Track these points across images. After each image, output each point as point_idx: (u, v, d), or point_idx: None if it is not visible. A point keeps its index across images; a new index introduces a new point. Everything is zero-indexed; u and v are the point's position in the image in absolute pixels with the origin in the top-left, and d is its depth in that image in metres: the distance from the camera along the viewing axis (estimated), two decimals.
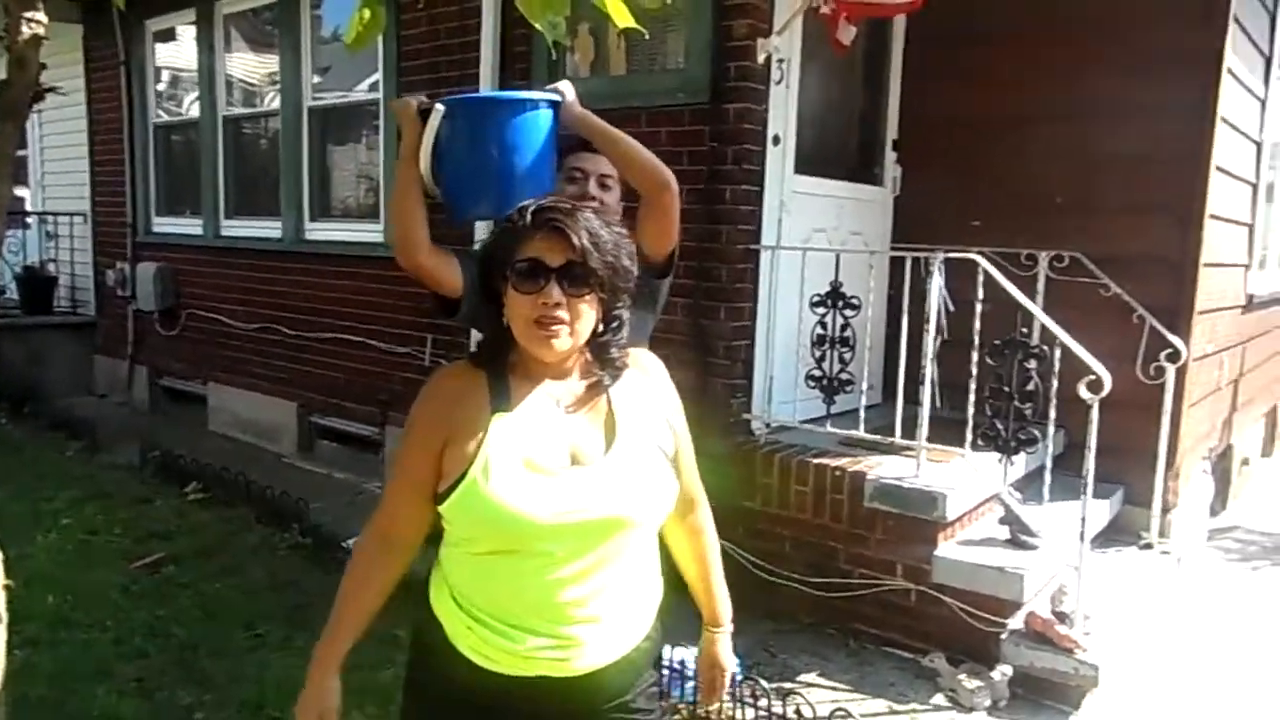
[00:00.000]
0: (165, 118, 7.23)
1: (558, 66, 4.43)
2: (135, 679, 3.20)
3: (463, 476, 1.44)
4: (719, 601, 1.78)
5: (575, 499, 1.44)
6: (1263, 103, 5.15)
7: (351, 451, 5.79)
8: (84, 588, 3.89)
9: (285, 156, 6.02)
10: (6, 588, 1.87)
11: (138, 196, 7.28)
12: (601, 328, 1.51)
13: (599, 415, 1.53)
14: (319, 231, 5.98)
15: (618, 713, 1.55)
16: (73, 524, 4.67)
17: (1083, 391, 3.24)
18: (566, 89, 2.09)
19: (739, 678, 3.09)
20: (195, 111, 6.81)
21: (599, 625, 1.50)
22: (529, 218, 1.46)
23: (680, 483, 1.60)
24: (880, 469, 3.70)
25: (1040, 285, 4.35)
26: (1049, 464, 3.59)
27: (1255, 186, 5.34)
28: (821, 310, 3.86)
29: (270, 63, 6.28)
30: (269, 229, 6.21)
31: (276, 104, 6.12)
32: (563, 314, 1.44)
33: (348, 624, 1.56)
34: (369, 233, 5.60)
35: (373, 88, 5.58)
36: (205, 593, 3.89)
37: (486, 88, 4.73)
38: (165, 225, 7.15)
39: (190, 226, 6.84)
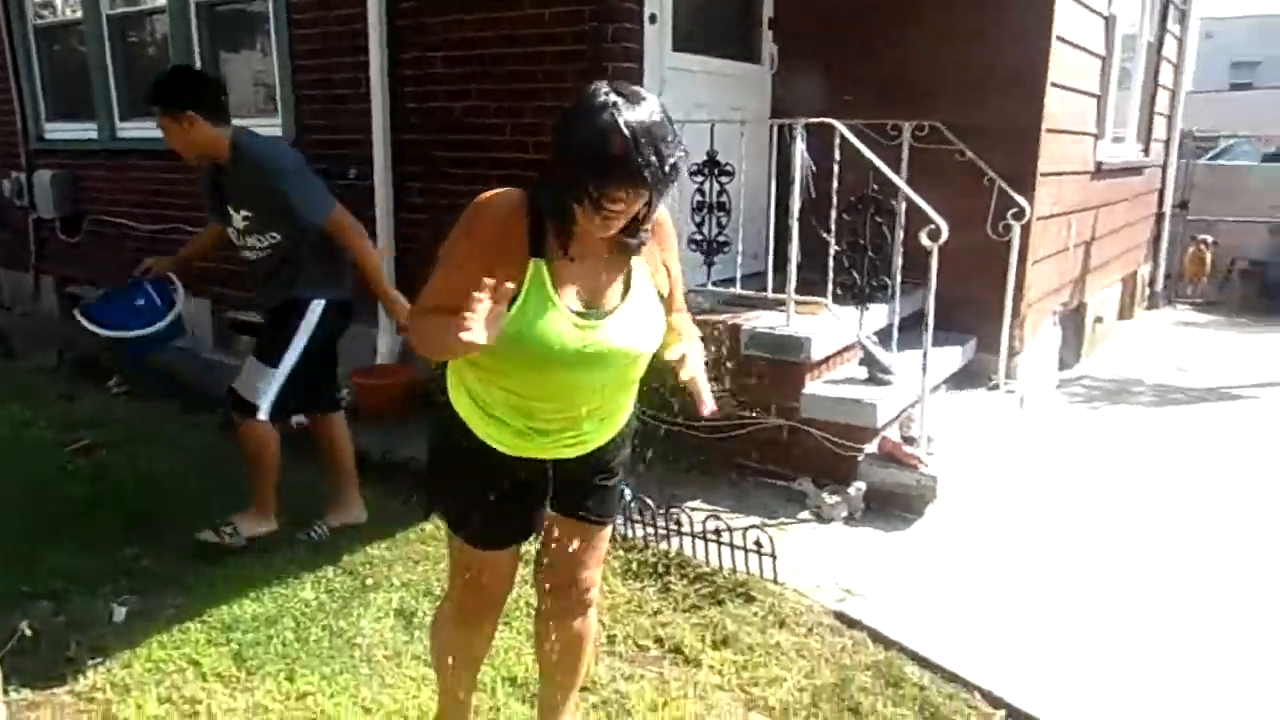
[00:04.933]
0: (47, 19, 7.06)
1: None
2: (84, 540, 3.48)
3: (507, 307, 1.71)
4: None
5: (596, 338, 1.78)
6: None
7: None
8: (22, 475, 4.09)
9: (176, 55, 6.00)
10: None
11: (25, 103, 7.15)
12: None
13: (618, 269, 1.83)
14: None
15: (600, 473, 2.05)
16: None
17: (923, 239, 3.66)
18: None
19: (629, 500, 3.52)
20: (78, 12, 6.69)
21: (604, 420, 1.97)
22: (626, 146, 1.56)
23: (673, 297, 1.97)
24: (756, 321, 4.10)
25: (905, 154, 4.70)
26: (898, 309, 4.02)
27: (1105, 60, 5.77)
28: (700, 179, 4.18)
29: None
30: None
31: (163, 0, 6.07)
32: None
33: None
34: (269, 127, 5.67)
35: None
36: (142, 469, 4.15)
37: None
38: (58, 131, 7.06)
39: (84, 131, 6.78)
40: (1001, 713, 2.56)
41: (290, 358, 3.39)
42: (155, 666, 2.69)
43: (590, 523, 2.10)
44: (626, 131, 1.57)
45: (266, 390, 3.39)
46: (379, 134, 4.97)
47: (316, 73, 5.31)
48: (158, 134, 6.28)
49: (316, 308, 3.41)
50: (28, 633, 2.63)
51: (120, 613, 2.98)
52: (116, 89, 6.54)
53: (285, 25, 5.36)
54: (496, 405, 1.89)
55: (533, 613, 2.54)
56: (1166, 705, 2.58)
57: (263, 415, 3.40)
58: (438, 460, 2.08)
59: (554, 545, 2.12)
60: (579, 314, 1.78)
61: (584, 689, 2.58)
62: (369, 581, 3.21)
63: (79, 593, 3.10)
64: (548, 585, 2.18)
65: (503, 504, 1.98)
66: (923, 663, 2.79)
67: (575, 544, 2.10)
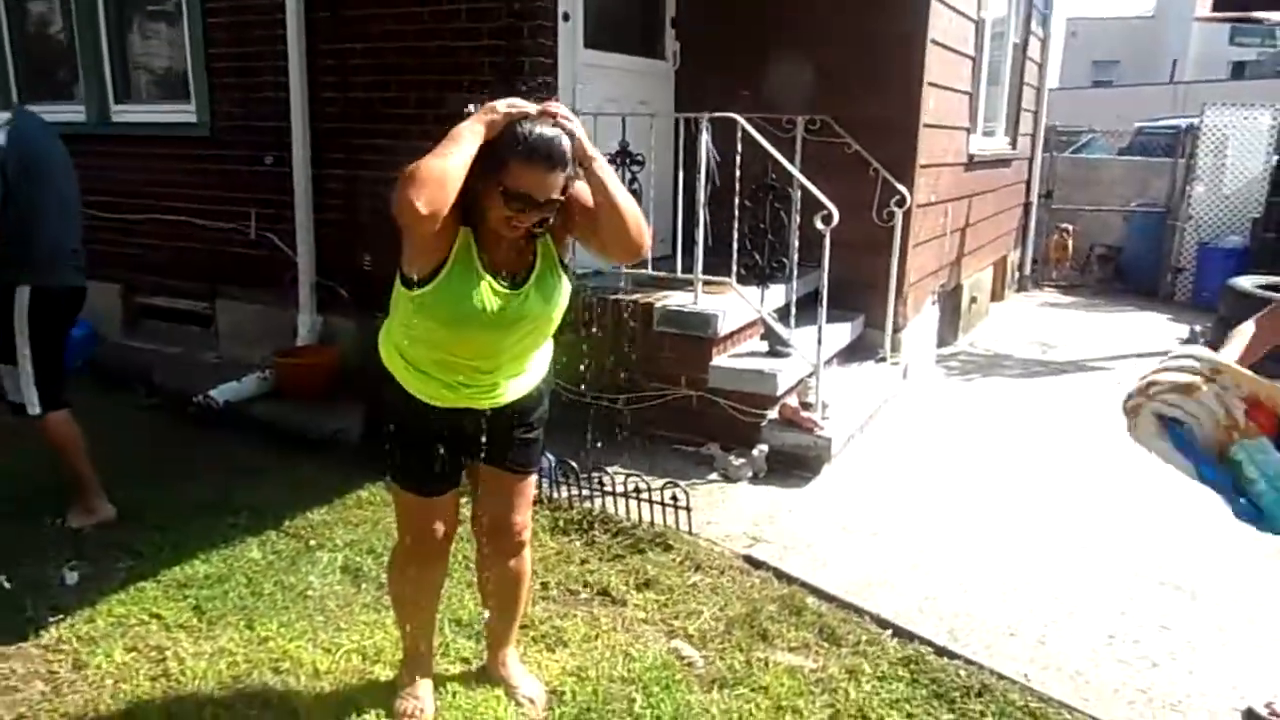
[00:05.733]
0: None
1: None
2: (19, 515, 3.57)
3: (439, 269, 2.00)
4: None
5: (513, 305, 2.07)
6: None
7: (180, 328, 6.03)
8: None
9: (81, 37, 5.98)
10: None
11: None
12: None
13: (527, 249, 2.11)
14: (127, 114, 6.02)
15: (520, 427, 2.32)
16: None
17: (818, 224, 4.05)
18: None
19: (554, 464, 3.81)
20: None
21: (519, 375, 2.25)
22: (534, 149, 1.90)
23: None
24: (666, 300, 4.44)
25: (798, 146, 5.08)
26: (795, 289, 4.41)
27: (975, 60, 6.31)
28: (613, 166, 4.47)
29: None
30: (70, 112, 6.15)
31: None
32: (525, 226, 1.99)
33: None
34: (181, 113, 5.73)
35: None
36: None
37: None
38: None
39: None
40: (888, 631, 2.95)
41: (23, 349, 3.36)
42: (117, 621, 2.86)
43: (515, 472, 2.39)
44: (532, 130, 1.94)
45: (22, 387, 3.40)
46: (298, 122, 5.09)
47: (232, 60, 5.40)
48: (59, 118, 6.28)
49: (21, 294, 3.33)
50: (6, 585, 2.76)
51: (72, 576, 3.12)
52: (15, 70, 6.43)
53: (199, 14, 5.42)
54: (424, 362, 2.17)
55: (471, 565, 2.84)
56: (1020, 618, 3.03)
57: (34, 411, 3.42)
58: (379, 418, 2.32)
59: (487, 495, 2.42)
60: (497, 280, 2.07)
61: (524, 626, 2.87)
62: (312, 543, 3.42)
63: (25, 561, 3.21)
64: (485, 532, 2.46)
65: (438, 454, 2.25)
66: (821, 595, 3.17)
67: (504, 491, 2.39)
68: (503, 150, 1.93)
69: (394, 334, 2.20)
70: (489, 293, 2.05)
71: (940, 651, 2.83)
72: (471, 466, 2.37)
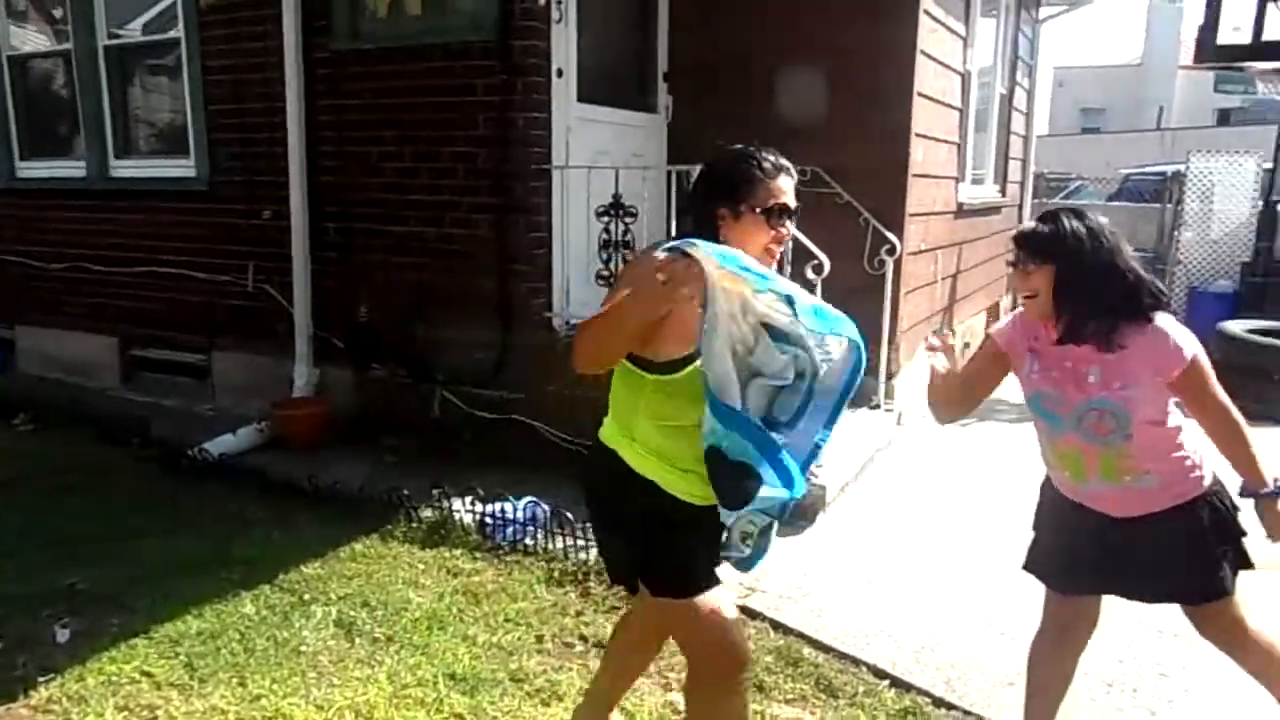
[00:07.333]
0: None
1: (359, 9, 4.84)
2: (16, 570, 3.56)
3: (689, 357, 1.88)
4: None
5: None
6: (964, 39, 6.20)
7: (176, 380, 6.04)
8: None
9: (84, 95, 6.07)
10: None
11: None
12: None
13: None
14: (125, 169, 6.10)
15: None
16: None
17: (808, 273, 4.10)
18: None
19: (548, 515, 3.80)
20: None
21: None
22: (771, 164, 2.06)
23: None
24: None
25: None
26: None
27: (963, 111, 6.42)
28: (606, 219, 4.54)
29: None
30: (71, 169, 6.26)
31: (69, 44, 6.12)
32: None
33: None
34: (180, 168, 5.80)
35: (170, 21, 5.74)
36: (66, 501, 4.21)
37: (289, 26, 5.03)
38: None
39: None
40: (886, 682, 2.94)
41: None
42: (108, 679, 2.84)
43: None
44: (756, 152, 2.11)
45: None
46: (296, 176, 5.15)
47: (231, 117, 5.48)
48: (59, 174, 6.40)
49: None
50: None
51: (63, 634, 3.10)
52: (17, 129, 6.53)
53: (198, 71, 5.52)
54: (686, 458, 1.97)
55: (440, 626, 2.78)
56: (1018, 667, 3.01)
57: None
58: (657, 531, 2.06)
59: None
60: None
61: (519, 680, 2.87)
62: (306, 597, 3.40)
63: (18, 618, 3.19)
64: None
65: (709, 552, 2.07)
66: (818, 645, 3.15)
67: None
68: (746, 180, 2.04)
69: (643, 434, 2.03)
70: None
71: (938, 702, 2.82)
72: None
